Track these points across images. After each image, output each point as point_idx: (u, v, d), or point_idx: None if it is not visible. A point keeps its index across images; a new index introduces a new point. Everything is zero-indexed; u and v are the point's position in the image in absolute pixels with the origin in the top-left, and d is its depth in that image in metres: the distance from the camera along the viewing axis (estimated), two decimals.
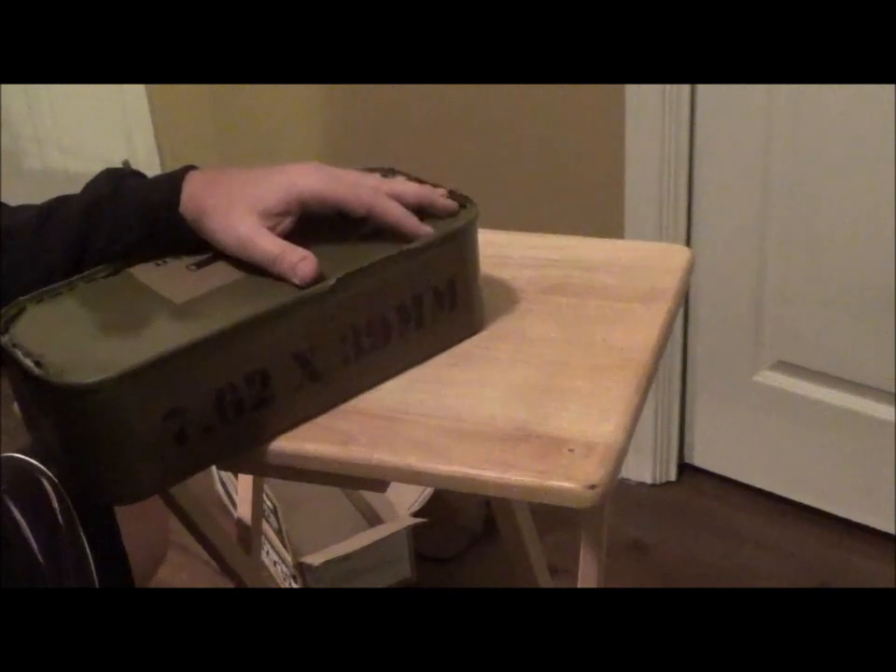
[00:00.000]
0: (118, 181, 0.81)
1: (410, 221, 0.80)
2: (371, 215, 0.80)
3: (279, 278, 0.77)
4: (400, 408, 0.78)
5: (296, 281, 0.76)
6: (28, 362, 0.70)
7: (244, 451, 0.76)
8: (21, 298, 0.77)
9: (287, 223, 0.79)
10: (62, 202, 0.80)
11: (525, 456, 0.73)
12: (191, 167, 0.82)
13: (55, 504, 0.81)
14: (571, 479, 0.71)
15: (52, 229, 0.78)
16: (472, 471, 0.73)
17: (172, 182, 0.80)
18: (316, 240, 0.81)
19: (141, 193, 0.80)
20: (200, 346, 0.70)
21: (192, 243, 0.81)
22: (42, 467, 0.83)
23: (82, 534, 0.80)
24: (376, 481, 0.77)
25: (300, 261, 0.76)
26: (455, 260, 0.82)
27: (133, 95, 2.08)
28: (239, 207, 0.78)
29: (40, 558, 0.73)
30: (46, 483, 0.82)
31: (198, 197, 0.79)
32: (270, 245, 0.77)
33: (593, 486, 0.70)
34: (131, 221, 0.79)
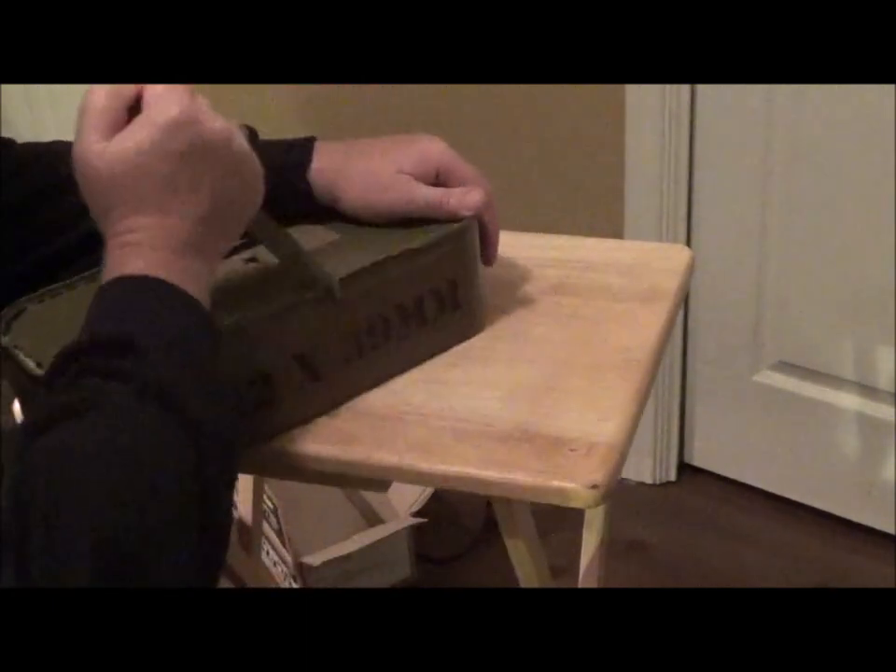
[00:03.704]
0: (248, 133, 0.82)
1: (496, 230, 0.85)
2: (467, 202, 0.81)
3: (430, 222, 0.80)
4: (401, 408, 0.78)
5: (468, 213, 0.80)
6: (30, 363, 0.70)
7: (245, 452, 0.76)
8: (22, 298, 0.77)
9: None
10: None
11: (526, 456, 0.73)
12: (314, 137, 0.84)
13: None
14: (572, 479, 0.71)
15: None
16: (473, 471, 0.73)
17: (303, 147, 0.82)
18: (317, 241, 0.81)
19: (273, 150, 0.81)
20: None
21: (305, 211, 0.82)
22: None
23: None
24: (377, 481, 0.77)
25: (464, 195, 0.80)
26: (457, 261, 0.82)
27: None
28: (386, 170, 0.81)
29: None
30: None
31: (336, 163, 0.82)
32: (431, 192, 0.81)
33: (594, 486, 0.71)
34: None
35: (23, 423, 0.58)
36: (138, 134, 0.63)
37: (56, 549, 0.51)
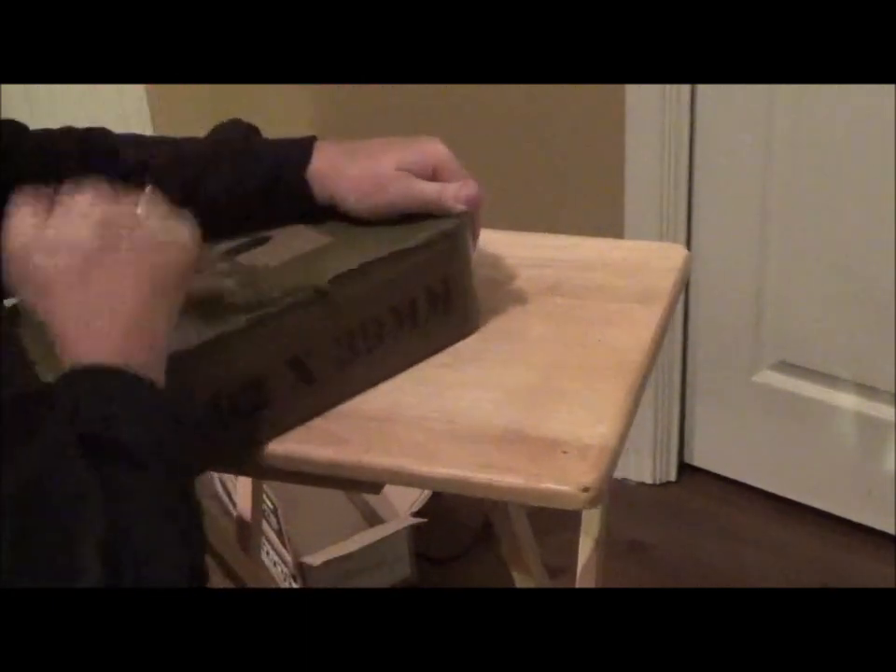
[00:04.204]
0: (249, 131, 0.84)
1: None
2: (463, 196, 0.83)
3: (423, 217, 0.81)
4: (394, 410, 0.78)
5: (463, 207, 0.81)
6: (32, 353, 0.70)
7: (238, 455, 0.76)
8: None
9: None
10: (187, 140, 0.85)
11: (519, 458, 0.73)
12: (314, 137, 0.84)
13: None
14: (564, 481, 0.71)
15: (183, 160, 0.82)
16: (465, 474, 0.72)
17: (303, 145, 0.83)
18: (315, 241, 0.81)
19: (272, 147, 0.83)
20: (192, 354, 0.70)
21: (303, 210, 0.83)
22: None
23: None
24: (370, 483, 0.77)
25: (460, 188, 0.81)
26: (449, 261, 0.82)
27: (133, 95, 2.08)
28: (385, 168, 0.82)
29: None
30: None
31: (335, 163, 0.82)
32: (428, 187, 0.82)
33: (586, 489, 0.70)
34: (256, 169, 0.82)
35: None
36: (57, 241, 0.64)
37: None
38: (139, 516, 0.57)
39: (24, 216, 0.65)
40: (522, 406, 0.77)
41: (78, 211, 0.65)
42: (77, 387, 0.61)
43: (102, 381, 0.62)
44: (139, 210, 0.67)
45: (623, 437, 0.75)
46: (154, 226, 0.67)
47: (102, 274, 0.64)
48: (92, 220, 0.64)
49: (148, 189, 0.68)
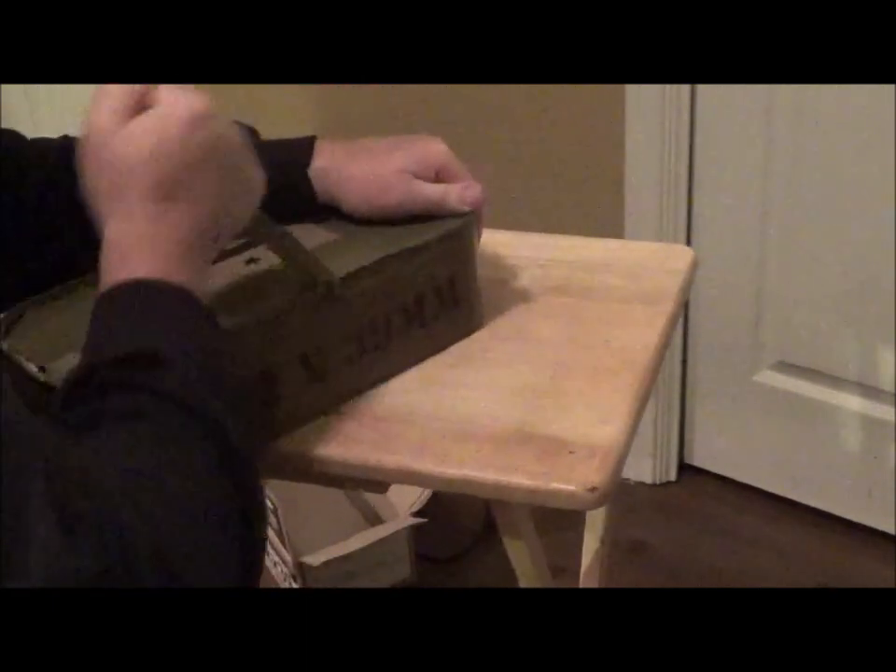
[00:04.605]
0: (247, 132, 0.83)
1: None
2: (467, 198, 0.83)
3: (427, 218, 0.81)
4: (401, 409, 0.78)
5: (467, 209, 0.81)
6: (31, 367, 0.70)
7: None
8: (21, 303, 0.77)
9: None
10: None
11: (526, 459, 0.73)
12: (315, 137, 0.84)
13: None
14: (572, 481, 0.71)
15: None
16: (472, 473, 0.72)
17: (304, 145, 0.83)
18: (318, 240, 0.81)
19: (272, 147, 0.81)
20: None
21: (305, 210, 0.82)
22: None
23: None
24: (377, 482, 0.77)
25: (463, 190, 0.81)
26: (456, 259, 0.82)
27: None
28: (388, 169, 0.81)
29: None
30: None
31: (337, 163, 0.82)
32: (432, 189, 0.82)
33: (593, 489, 0.70)
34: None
35: (50, 419, 0.57)
36: (160, 122, 0.62)
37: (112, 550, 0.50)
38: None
39: (111, 105, 0.62)
40: (529, 406, 0.77)
41: (174, 113, 0.63)
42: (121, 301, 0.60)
43: (150, 297, 0.60)
44: (234, 131, 0.65)
45: (630, 437, 0.75)
46: (242, 151, 0.66)
47: (180, 185, 0.62)
48: (187, 125, 0.62)
49: (241, 125, 0.68)
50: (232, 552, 0.56)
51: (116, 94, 0.63)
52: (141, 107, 0.64)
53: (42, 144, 0.85)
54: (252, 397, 0.65)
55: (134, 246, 0.62)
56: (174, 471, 0.55)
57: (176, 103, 0.63)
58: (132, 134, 0.62)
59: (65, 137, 0.84)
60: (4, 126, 0.86)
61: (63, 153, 0.80)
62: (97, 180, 0.64)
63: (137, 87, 0.64)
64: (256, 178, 0.68)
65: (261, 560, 0.60)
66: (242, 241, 0.80)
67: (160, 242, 0.62)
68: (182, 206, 0.63)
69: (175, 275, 0.62)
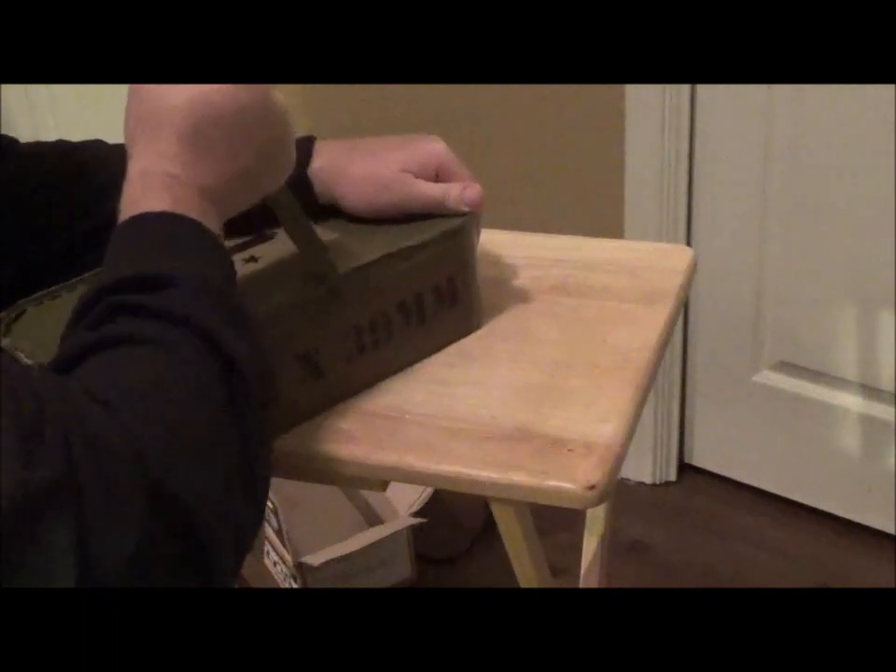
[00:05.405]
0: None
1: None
2: (466, 198, 0.82)
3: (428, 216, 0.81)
4: (401, 407, 0.78)
5: (466, 209, 0.81)
6: (32, 365, 0.70)
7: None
8: (21, 301, 0.77)
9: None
10: None
11: (525, 457, 0.73)
12: (314, 136, 0.84)
13: None
14: (570, 479, 0.71)
15: None
16: (471, 472, 0.73)
17: (303, 146, 0.82)
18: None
19: None
20: None
21: (305, 210, 0.81)
22: None
23: None
24: (376, 480, 0.77)
25: (463, 190, 0.81)
26: (456, 257, 0.82)
27: None
28: (388, 169, 0.81)
29: None
30: None
31: (337, 162, 0.82)
32: (431, 188, 0.82)
33: (592, 487, 0.70)
34: None
35: (54, 360, 0.56)
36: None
37: (114, 492, 0.48)
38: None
39: None
40: (528, 404, 0.77)
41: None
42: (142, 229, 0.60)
43: (168, 227, 0.60)
44: (281, 101, 0.66)
45: (629, 435, 0.75)
46: (286, 121, 0.67)
47: (217, 136, 0.63)
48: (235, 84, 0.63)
49: None
50: (231, 472, 0.54)
51: None
52: None
53: (39, 146, 0.85)
54: (256, 327, 0.65)
55: (157, 185, 0.62)
56: (167, 387, 0.54)
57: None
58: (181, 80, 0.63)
59: (61, 141, 0.84)
60: (4, 126, 0.86)
61: (61, 155, 0.80)
62: (136, 114, 0.64)
63: None
64: (290, 154, 0.69)
65: (265, 490, 0.58)
66: (240, 240, 0.81)
67: (183, 186, 0.62)
68: (214, 158, 0.63)
69: (197, 215, 0.62)
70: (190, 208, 0.62)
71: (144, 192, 0.62)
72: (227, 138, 0.64)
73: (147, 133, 0.63)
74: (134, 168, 0.63)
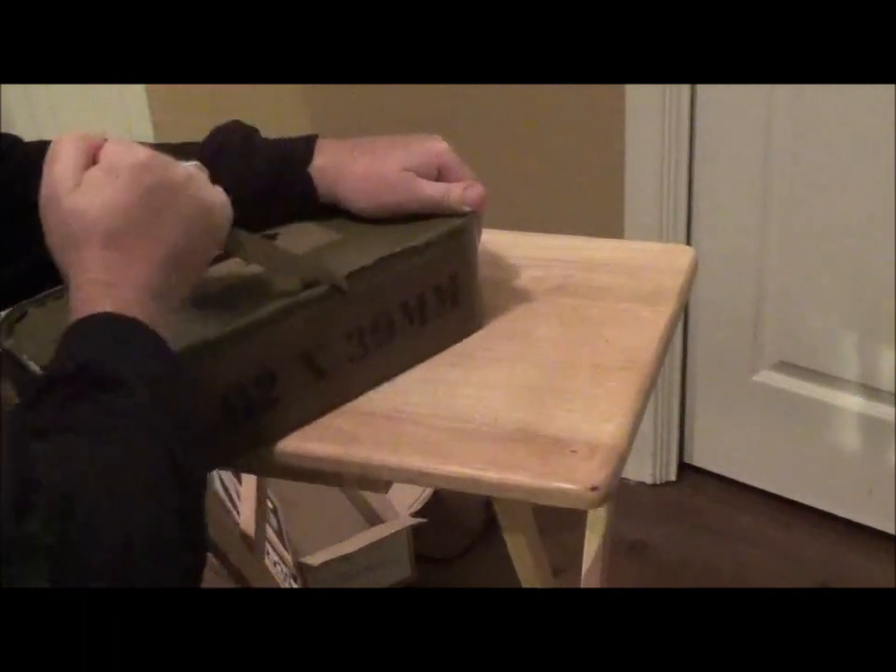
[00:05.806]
0: (249, 131, 0.84)
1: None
2: (468, 198, 0.83)
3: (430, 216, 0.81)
4: (403, 408, 0.78)
5: (468, 209, 0.81)
6: (34, 366, 0.70)
7: (248, 452, 0.76)
8: (23, 302, 0.77)
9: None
10: (187, 144, 0.83)
11: (527, 457, 0.73)
12: (316, 135, 0.84)
13: None
14: (573, 480, 0.71)
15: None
16: (474, 472, 0.73)
17: (305, 145, 0.83)
18: (320, 239, 0.81)
19: (274, 146, 0.83)
20: (202, 350, 0.70)
21: (307, 209, 0.83)
22: None
23: None
24: (378, 481, 0.77)
25: (464, 190, 0.81)
26: (457, 258, 0.82)
27: (133, 95, 2.08)
28: (390, 168, 0.82)
29: None
30: None
31: (339, 161, 0.82)
32: (434, 188, 0.82)
33: (594, 488, 0.70)
34: (261, 168, 0.81)
35: (13, 429, 0.57)
36: (107, 174, 0.64)
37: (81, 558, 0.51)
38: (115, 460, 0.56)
39: (64, 163, 0.64)
40: (530, 405, 0.77)
41: (121, 163, 0.64)
42: (86, 334, 0.61)
43: (114, 328, 0.61)
44: (183, 172, 0.66)
45: (631, 436, 0.75)
46: (195, 190, 0.67)
47: (134, 233, 0.64)
48: (134, 173, 0.64)
49: (195, 161, 0.69)
50: (171, 557, 0.56)
51: (67, 152, 0.65)
52: (91, 163, 0.66)
53: (41, 145, 0.85)
54: (207, 420, 0.66)
55: (95, 294, 0.63)
56: (120, 474, 0.56)
57: (121, 154, 0.65)
58: (82, 189, 0.64)
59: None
60: (4, 126, 0.86)
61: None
62: (56, 235, 0.66)
63: (87, 143, 0.66)
64: (216, 209, 0.69)
65: (200, 570, 0.60)
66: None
67: (119, 288, 0.63)
68: (138, 253, 0.64)
69: (140, 315, 0.63)
70: (132, 309, 0.63)
71: (85, 306, 0.63)
72: (142, 231, 0.65)
73: (71, 252, 0.65)
74: (72, 286, 0.65)
